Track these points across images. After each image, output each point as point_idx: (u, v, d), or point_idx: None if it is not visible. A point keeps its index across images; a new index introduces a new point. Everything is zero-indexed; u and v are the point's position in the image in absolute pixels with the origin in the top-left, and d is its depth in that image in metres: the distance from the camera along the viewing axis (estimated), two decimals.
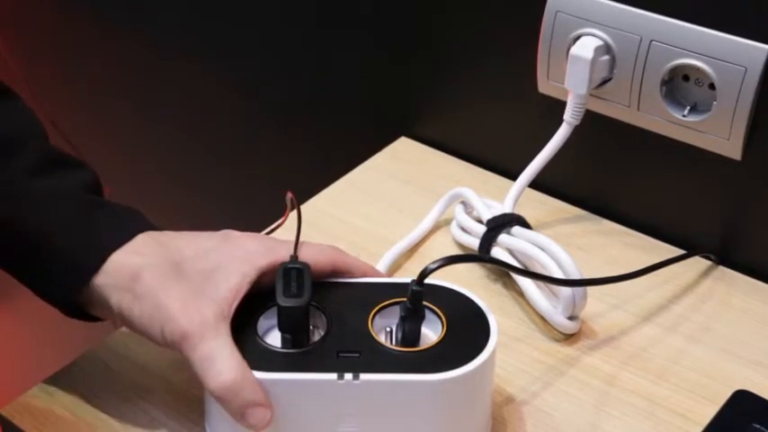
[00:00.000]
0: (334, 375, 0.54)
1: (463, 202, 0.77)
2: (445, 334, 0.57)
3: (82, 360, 0.66)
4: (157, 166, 1.20)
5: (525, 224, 0.72)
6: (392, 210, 0.81)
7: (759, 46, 0.66)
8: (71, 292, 0.59)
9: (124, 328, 0.68)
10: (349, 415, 0.55)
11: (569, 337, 0.68)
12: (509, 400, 0.63)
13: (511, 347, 0.67)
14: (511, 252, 0.70)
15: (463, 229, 0.76)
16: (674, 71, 0.71)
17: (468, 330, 0.58)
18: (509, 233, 0.71)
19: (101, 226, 0.60)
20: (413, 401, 0.55)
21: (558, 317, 0.67)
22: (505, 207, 0.75)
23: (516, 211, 0.74)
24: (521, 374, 0.65)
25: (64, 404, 0.62)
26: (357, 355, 0.55)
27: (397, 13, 0.85)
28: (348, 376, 0.54)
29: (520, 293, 0.71)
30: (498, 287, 0.73)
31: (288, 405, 0.55)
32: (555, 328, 0.68)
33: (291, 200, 0.62)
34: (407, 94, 0.88)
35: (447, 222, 0.79)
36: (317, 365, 0.55)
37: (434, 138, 0.88)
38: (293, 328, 0.56)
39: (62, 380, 0.64)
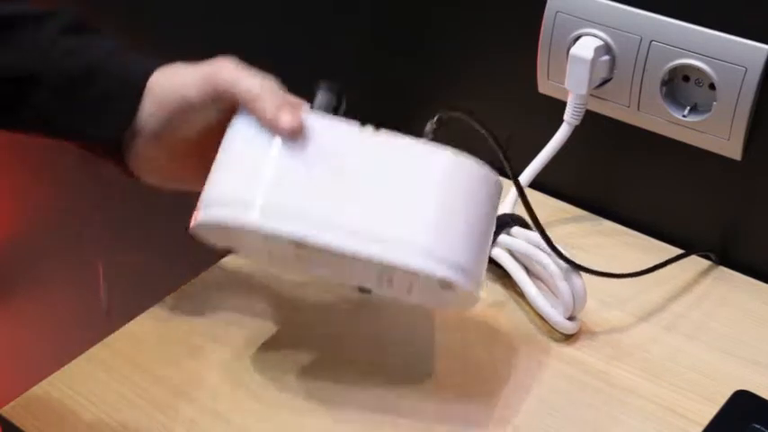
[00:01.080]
0: (356, 125, 0.56)
1: None
2: None
3: (82, 360, 0.66)
4: None
5: (525, 224, 0.72)
6: None
7: (759, 46, 0.66)
8: (123, 117, 0.60)
9: (123, 328, 0.68)
10: (356, 170, 0.55)
11: (569, 338, 0.68)
12: (509, 399, 0.63)
13: (511, 347, 0.67)
14: (511, 252, 0.70)
15: None
16: (674, 71, 0.71)
17: None
18: (509, 233, 0.71)
19: (136, 59, 0.62)
20: (422, 171, 0.56)
21: (558, 317, 0.67)
22: (505, 207, 0.75)
23: (516, 212, 0.74)
24: (520, 374, 0.65)
25: (64, 404, 0.62)
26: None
27: (398, 13, 0.85)
28: (369, 128, 0.56)
29: (520, 294, 0.71)
30: (498, 287, 0.73)
31: (303, 149, 0.55)
32: (555, 329, 0.68)
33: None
34: (407, 95, 0.88)
35: None
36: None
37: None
38: (329, 106, 0.58)
39: (62, 380, 0.64)
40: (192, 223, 0.57)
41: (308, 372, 0.65)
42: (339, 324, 0.69)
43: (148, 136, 0.61)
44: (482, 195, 0.57)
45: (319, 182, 0.55)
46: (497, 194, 0.59)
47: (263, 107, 0.56)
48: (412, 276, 0.57)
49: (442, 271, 0.55)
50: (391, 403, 0.63)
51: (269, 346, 0.67)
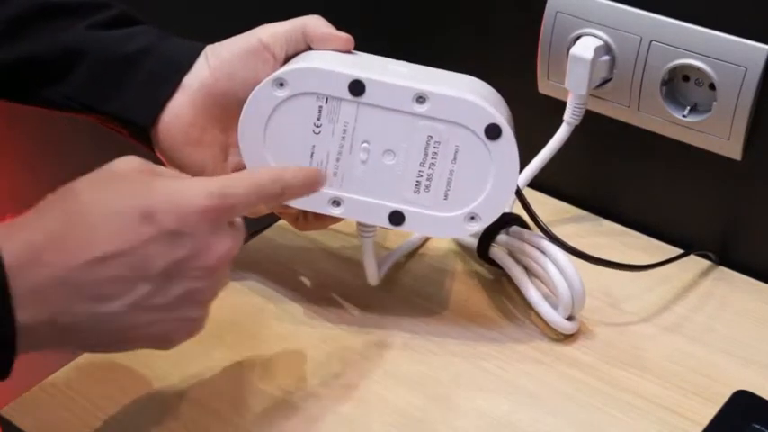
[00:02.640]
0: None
1: None
2: None
3: (82, 360, 0.66)
4: None
5: (524, 224, 0.72)
6: None
7: (759, 46, 0.66)
8: (167, 86, 0.63)
9: None
10: (402, 66, 0.64)
11: (568, 338, 0.68)
12: (508, 399, 0.63)
13: (510, 348, 0.67)
14: (510, 252, 0.70)
15: None
16: (674, 71, 0.71)
17: None
18: (508, 233, 0.71)
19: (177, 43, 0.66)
20: (451, 74, 0.65)
21: (557, 317, 0.67)
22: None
23: (515, 212, 0.74)
24: (520, 375, 0.65)
25: (64, 404, 0.62)
26: None
27: (397, 13, 0.85)
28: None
29: (519, 293, 0.71)
30: (498, 287, 0.73)
31: (358, 54, 0.65)
32: (554, 329, 0.68)
33: None
34: None
35: None
36: None
37: None
38: None
39: (62, 380, 0.64)
40: (273, 75, 0.61)
41: (309, 373, 0.65)
42: (343, 328, 0.69)
43: (197, 90, 0.63)
44: (501, 99, 0.65)
45: (376, 63, 0.64)
46: (510, 114, 0.65)
47: (326, 28, 0.64)
48: (459, 139, 0.61)
49: (492, 110, 0.60)
50: (392, 402, 0.63)
51: (270, 346, 0.67)
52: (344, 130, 0.62)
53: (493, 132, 0.60)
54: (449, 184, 0.62)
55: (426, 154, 0.61)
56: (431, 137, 0.61)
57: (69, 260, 0.49)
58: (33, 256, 0.48)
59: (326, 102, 0.61)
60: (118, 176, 0.52)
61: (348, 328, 0.69)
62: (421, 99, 0.60)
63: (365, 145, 0.62)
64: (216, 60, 0.64)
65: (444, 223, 0.63)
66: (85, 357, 0.66)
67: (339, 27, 0.66)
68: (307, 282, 0.73)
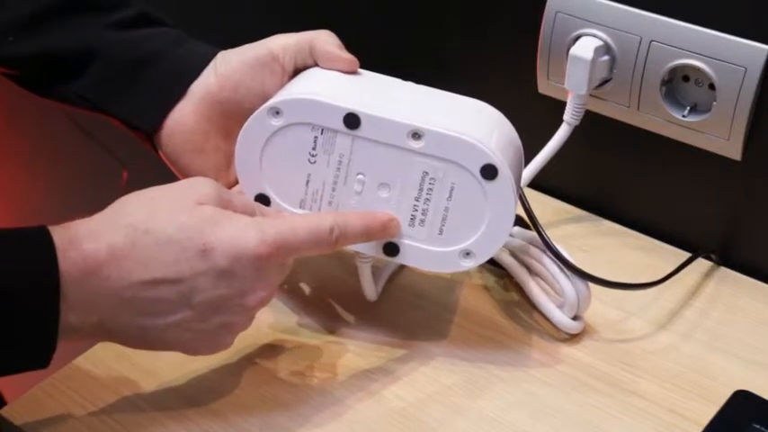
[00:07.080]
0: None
1: None
2: None
3: (82, 360, 0.66)
4: None
5: (525, 224, 0.72)
6: None
7: (759, 46, 0.66)
8: (179, 87, 0.64)
9: None
10: (406, 91, 0.64)
11: (572, 338, 0.68)
12: (510, 399, 0.63)
13: (513, 347, 0.67)
14: (512, 252, 0.70)
15: None
16: (674, 71, 0.71)
17: None
18: (509, 234, 0.71)
19: (200, 44, 0.67)
20: (456, 99, 0.64)
21: (562, 317, 0.67)
22: None
23: (516, 212, 0.74)
24: (522, 375, 0.65)
25: (64, 404, 0.62)
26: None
27: (397, 14, 0.85)
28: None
29: (522, 293, 0.71)
30: (500, 287, 0.73)
31: (363, 76, 0.65)
32: (559, 329, 0.68)
33: None
34: None
35: None
36: None
37: None
38: None
39: (62, 380, 0.64)
40: (269, 103, 0.61)
41: (309, 373, 0.65)
42: (344, 329, 0.69)
43: (202, 97, 0.64)
44: (507, 126, 0.64)
45: (377, 90, 0.63)
46: (517, 139, 0.64)
47: (333, 47, 0.64)
48: (455, 177, 0.60)
49: (489, 151, 0.59)
50: (393, 403, 0.63)
51: (269, 347, 0.67)
52: (340, 162, 0.61)
53: (489, 173, 0.59)
54: (444, 220, 0.61)
55: (421, 189, 0.61)
56: (426, 173, 0.60)
57: (126, 277, 0.53)
58: (93, 267, 0.52)
59: (322, 132, 0.61)
60: (191, 201, 0.55)
61: (348, 329, 0.69)
62: (416, 135, 0.59)
63: (360, 177, 0.61)
64: (224, 68, 0.64)
65: (439, 258, 0.62)
66: (85, 357, 0.66)
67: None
68: (306, 283, 0.73)
